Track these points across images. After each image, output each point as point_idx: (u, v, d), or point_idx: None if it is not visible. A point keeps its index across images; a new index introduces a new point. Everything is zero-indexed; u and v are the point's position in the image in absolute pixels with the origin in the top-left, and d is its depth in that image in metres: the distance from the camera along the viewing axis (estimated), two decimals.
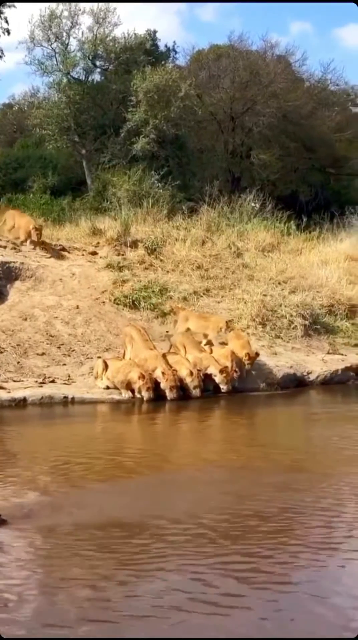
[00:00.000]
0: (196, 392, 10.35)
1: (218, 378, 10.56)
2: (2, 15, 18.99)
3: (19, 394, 9.82)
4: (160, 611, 4.19)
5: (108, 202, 18.60)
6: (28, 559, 4.93)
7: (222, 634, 3.98)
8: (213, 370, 10.62)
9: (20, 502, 5.95)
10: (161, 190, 19.16)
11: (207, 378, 10.63)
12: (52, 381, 10.41)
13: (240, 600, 4.32)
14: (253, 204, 17.94)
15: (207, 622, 4.10)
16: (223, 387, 10.54)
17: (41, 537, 5.29)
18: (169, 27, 45.97)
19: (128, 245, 14.77)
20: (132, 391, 10.20)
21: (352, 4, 31.76)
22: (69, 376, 10.64)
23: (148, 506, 5.97)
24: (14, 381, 10.24)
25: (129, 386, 10.21)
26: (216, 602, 4.30)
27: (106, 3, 22.62)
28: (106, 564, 4.80)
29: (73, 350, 11.32)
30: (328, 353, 12.49)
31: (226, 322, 11.79)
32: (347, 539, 5.32)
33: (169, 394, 10.14)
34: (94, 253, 14.61)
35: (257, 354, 11.12)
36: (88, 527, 5.43)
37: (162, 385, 10.20)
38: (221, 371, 10.54)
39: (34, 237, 14.05)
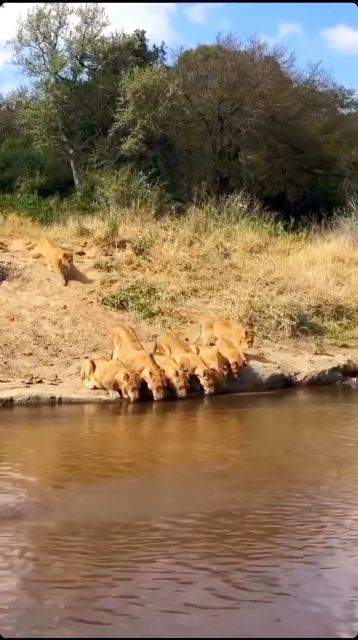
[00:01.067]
0: (182, 393, 10.35)
1: (202, 380, 10.60)
2: None
3: (5, 394, 9.78)
4: (148, 612, 4.19)
5: (96, 202, 18.60)
6: (15, 559, 4.92)
7: (212, 634, 3.99)
8: (199, 371, 10.64)
9: (7, 502, 5.94)
10: (149, 191, 19.17)
11: (194, 378, 10.64)
12: (40, 381, 10.38)
13: (229, 602, 4.33)
14: (240, 205, 17.98)
15: (195, 623, 4.10)
16: (207, 390, 10.57)
17: (29, 538, 5.28)
18: (159, 28, 45.92)
19: (116, 245, 14.75)
20: (120, 392, 10.19)
21: (351, 4, 31.99)
22: (56, 376, 10.61)
23: (136, 506, 5.98)
24: (1, 381, 10.20)
25: (116, 386, 10.20)
26: (205, 603, 4.31)
27: (95, 3, 22.61)
28: (93, 565, 4.80)
29: (60, 351, 11.29)
30: (316, 354, 12.51)
31: (246, 332, 11.72)
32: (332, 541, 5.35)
33: (156, 394, 10.14)
34: (81, 253, 14.58)
35: (245, 364, 11.10)
36: (76, 528, 5.42)
37: (149, 386, 10.19)
38: (204, 373, 10.57)
39: (67, 265, 13.31)
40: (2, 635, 3.85)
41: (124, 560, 4.90)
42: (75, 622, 4.06)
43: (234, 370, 10.91)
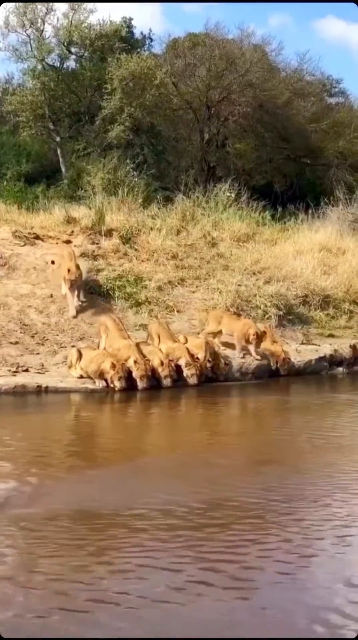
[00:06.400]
0: (166, 382, 10.37)
1: (184, 370, 10.62)
2: None
3: None
4: (134, 600, 4.19)
5: (83, 190, 18.47)
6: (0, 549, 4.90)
7: (199, 622, 4.00)
8: (182, 361, 10.66)
9: None
10: (136, 179, 19.08)
11: (179, 368, 10.65)
12: (26, 370, 10.35)
13: (216, 590, 4.34)
14: (228, 194, 17.90)
15: (183, 612, 4.11)
16: (189, 380, 10.58)
17: (14, 527, 5.26)
18: (152, 16, 45.61)
19: (103, 234, 14.67)
20: (106, 381, 10.18)
21: (351, 4, 31.89)
22: (42, 365, 10.58)
23: (121, 496, 5.97)
24: None
25: (102, 376, 10.19)
26: (191, 591, 4.32)
27: None
28: (79, 554, 4.79)
29: (47, 339, 11.25)
30: (302, 343, 12.54)
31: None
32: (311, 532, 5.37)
33: (140, 383, 10.15)
34: (68, 242, 14.49)
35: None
36: (61, 517, 5.41)
37: (134, 374, 10.20)
38: (187, 363, 10.58)
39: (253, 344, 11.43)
40: (3, 636, 3.83)
41: (109, 549, 4.90)
42: (60, 611, 4.05)
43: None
